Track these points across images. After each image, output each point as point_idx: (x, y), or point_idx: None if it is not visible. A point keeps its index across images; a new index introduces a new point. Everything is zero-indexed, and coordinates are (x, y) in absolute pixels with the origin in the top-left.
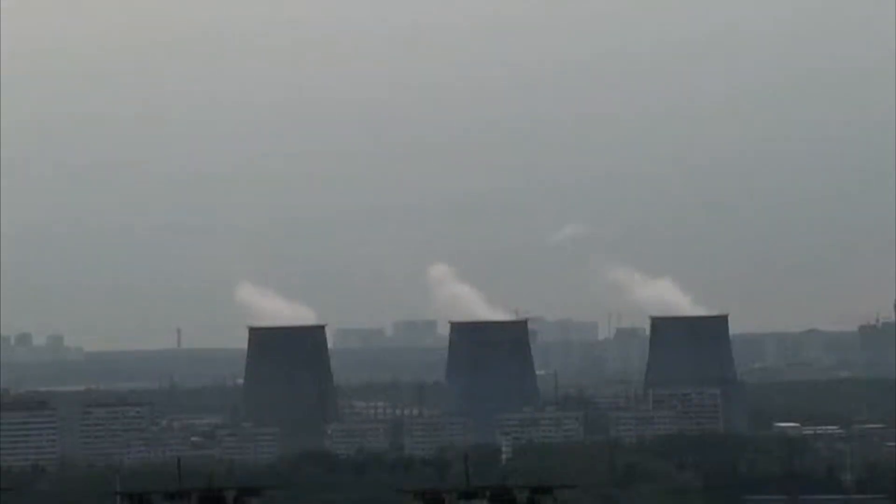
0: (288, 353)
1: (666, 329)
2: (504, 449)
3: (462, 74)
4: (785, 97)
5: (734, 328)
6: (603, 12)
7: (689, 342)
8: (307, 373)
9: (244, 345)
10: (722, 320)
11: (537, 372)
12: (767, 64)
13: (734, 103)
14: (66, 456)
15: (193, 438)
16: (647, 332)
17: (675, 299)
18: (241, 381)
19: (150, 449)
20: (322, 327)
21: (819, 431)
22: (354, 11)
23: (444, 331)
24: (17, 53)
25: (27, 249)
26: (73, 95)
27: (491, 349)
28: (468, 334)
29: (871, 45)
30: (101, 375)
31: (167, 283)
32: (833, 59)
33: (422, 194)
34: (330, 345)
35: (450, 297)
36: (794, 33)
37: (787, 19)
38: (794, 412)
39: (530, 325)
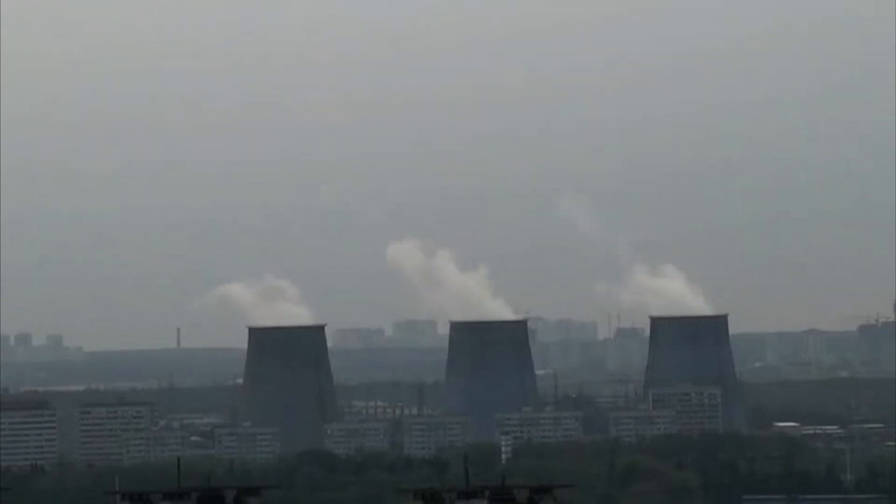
0: (288, 353)
1: (666, 329)
2: (504, 448)
3: (468, 75)
4: (786, 99)
5: (734, 328)
6: (607, 18)
7: (689, 342)
8: (307, 373)
9: (244, 345)
10: (722, 320)
11: (537, 372)
12: (769, 66)
13: (735, 105)
14: (66, 456)
15: (193, 438)
16: (647, 332)
17: (676, 299)
18: (240, 381)
19: (149, 449)
20: (321, 327)
21: (819, 431)
22: (357, 13)
23: (443, 331)
24: (18, 53)
25: (27, 249)
26: (74, 96)
27: (491, 349)
28: (468, 334)
29: (872, 49)
30: (101, 375)
31: (167, 283)
32: (833, 61)
33: (423, 193)
34: (330, 345)
35: (450, 297)
36: (794, 37)
37: (789, 23)
38: (794, 412)
39: (530, 325)
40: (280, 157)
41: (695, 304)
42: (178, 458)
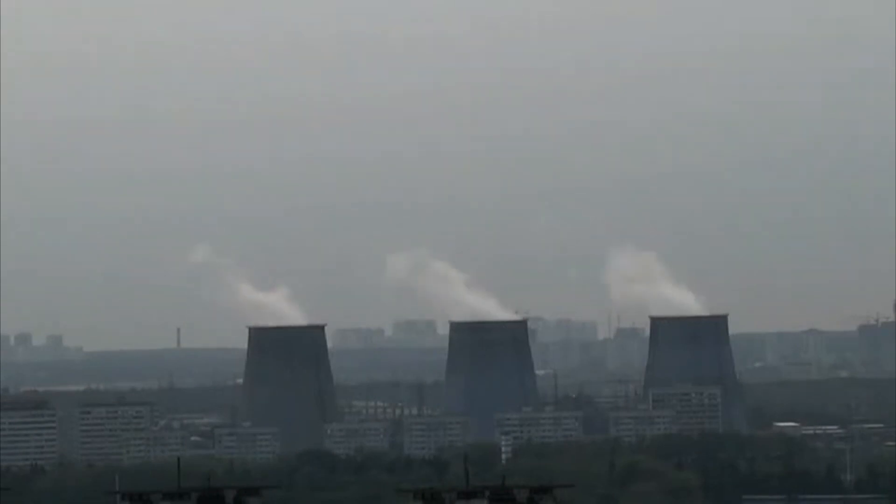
0: (288, 353)
1: (666, 329)
2: (504, 448)
3: (468, 79)
4: (785, 98)
5: (734, 328)
6: (607, 18)
7: (689, 342)
8: (307, 373)
9: (244, 345)
10: (722, 320)
11: (537, 372)
12: (768, 66)
13: (734, 105)
14: (66, 456)
15: (193, 438)
16: (647, 332)
17: (676, 299)
18: (240, 381)
19: (149, 449)
20: (322, 327)
21: (819, 431)
22: (357, 14)
23: (443, 331)
24: (18, 53)
25: (27, 249)
26: (74, 96)
27: (491, 349)
28: (468, 334)
29: (872, 49)
30: (101, 375)
31: (167, 283)
32: (833, 62)
33: (423, 194)
34: (329, 345)
35: (450, 297)
36: (794, 38)
37: (789, 23)
38: (794, 412)
39: (530, 325)
40: (281, 157)
41: (694, 304)
42: (178, 458)
